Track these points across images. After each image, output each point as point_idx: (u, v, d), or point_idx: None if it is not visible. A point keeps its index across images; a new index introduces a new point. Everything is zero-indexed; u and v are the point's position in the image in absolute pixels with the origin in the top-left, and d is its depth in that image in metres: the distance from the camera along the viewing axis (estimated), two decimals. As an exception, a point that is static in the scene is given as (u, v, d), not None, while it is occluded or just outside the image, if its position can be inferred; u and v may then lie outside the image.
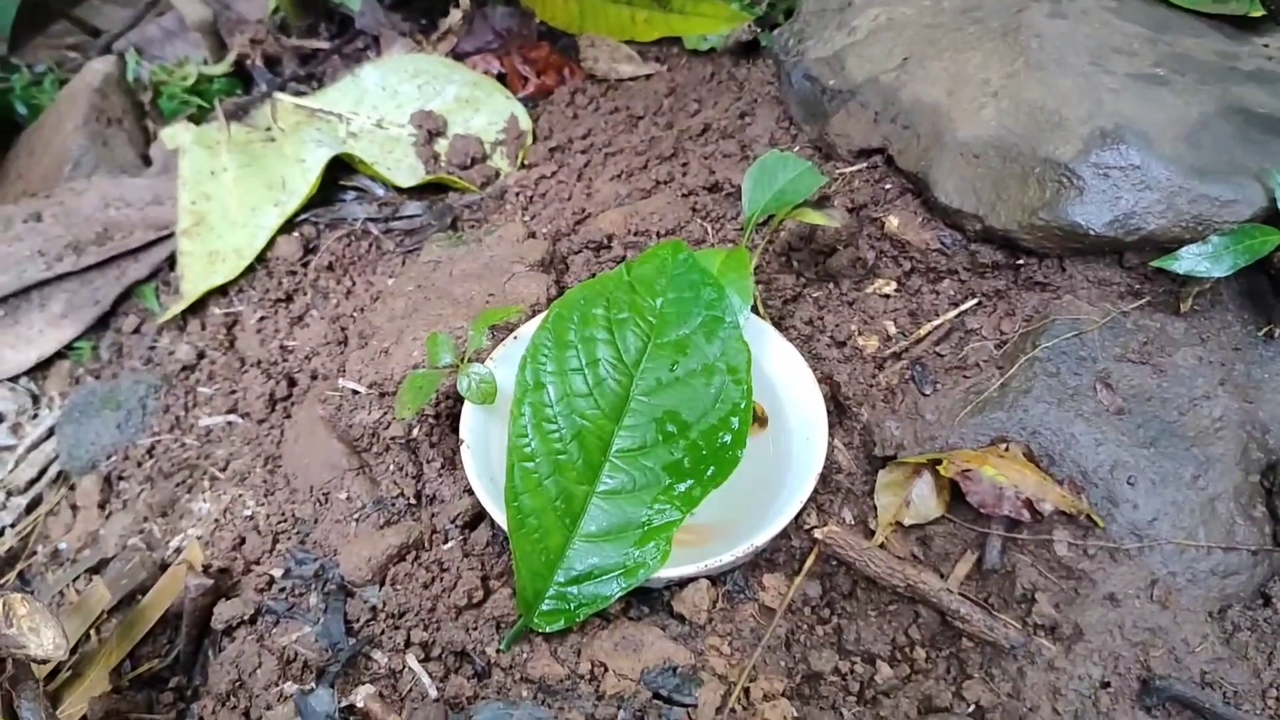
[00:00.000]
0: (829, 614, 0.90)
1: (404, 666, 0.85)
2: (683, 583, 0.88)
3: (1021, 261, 1.00)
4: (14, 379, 1.38)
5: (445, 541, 0.93)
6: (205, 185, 1.42)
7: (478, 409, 0.95)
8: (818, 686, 0.85)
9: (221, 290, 1.34)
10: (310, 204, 1.38)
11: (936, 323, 1.02)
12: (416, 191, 1.40)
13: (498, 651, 0.86)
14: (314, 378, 1.17)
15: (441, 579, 0.90)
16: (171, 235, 1.40)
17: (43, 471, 1.29)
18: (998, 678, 0.86)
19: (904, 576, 0.88)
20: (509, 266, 1.09)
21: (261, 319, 1.30)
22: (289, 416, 1.14)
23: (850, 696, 0.85)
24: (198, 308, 1.34)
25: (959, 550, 0.92)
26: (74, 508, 1.20)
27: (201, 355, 1.28)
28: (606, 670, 0.84)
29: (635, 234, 1.16)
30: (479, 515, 0.95)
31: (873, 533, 0.92)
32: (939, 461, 0.91)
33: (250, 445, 1.14)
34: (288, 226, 1.37)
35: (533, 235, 1.17)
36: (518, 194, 1.33)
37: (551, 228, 1.22)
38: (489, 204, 1.35)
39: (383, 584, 0.91)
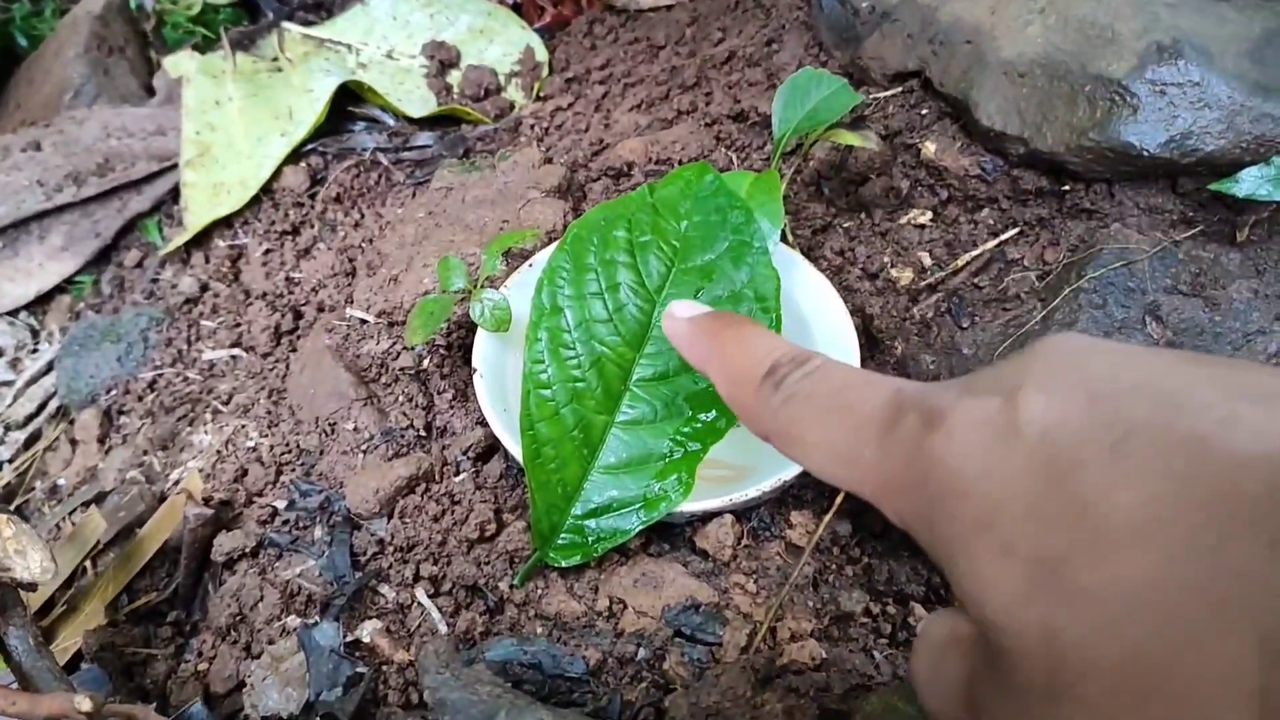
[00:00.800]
0: (859, 553, 0.85)
1: (413, 601, 0.81)
2: (706, 518, 0.84)
3: (1067, 188, 0.95)
4: (13, 313, 1.34)
5: (456, 474, 0.89)
6: (210, 115, 1.37)
7: (491, 337, 0.91)
8: (847, 628, 0.81)
9: (226, 222, 1.29)
10: (318, 134, 1.33)
11: (975, 253, 0.97)
12: (428, 123, 1.35)
13: (511, 587, 0.81)
14: (321, 310, 1.13)
15: (452, 512, 0.86)
16: (175, 166, 1.36)
17: (41, 406, 1.25)
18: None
19: (939, 515, 0.84)
20: (524, 193, 1.04)
21: (267, 251, 1.25)
22: (294, 350, 1.10)
23: (882, 639, 0.80)
24: (201, 240, 1.29)
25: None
26: (73, 442, 1.16)
27: (205, 288, 1.24)
28: (625, 607, 0.80)
29: (656, 162, 1.11)
30: (492, 447, 0.90)
31: (906, 470, 0.87)
32: (978, 395, 0.86)
33: (254, 379, 1.10)
34: (294, 157, 1.32)
35: (549, 161, 1.12)
36: (533, 126, 1.28)
37: (569, 158, 1.17)
38: (503, 136, 1.30)
39: (391, 516, 0.87)
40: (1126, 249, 0.90)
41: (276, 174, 1.30)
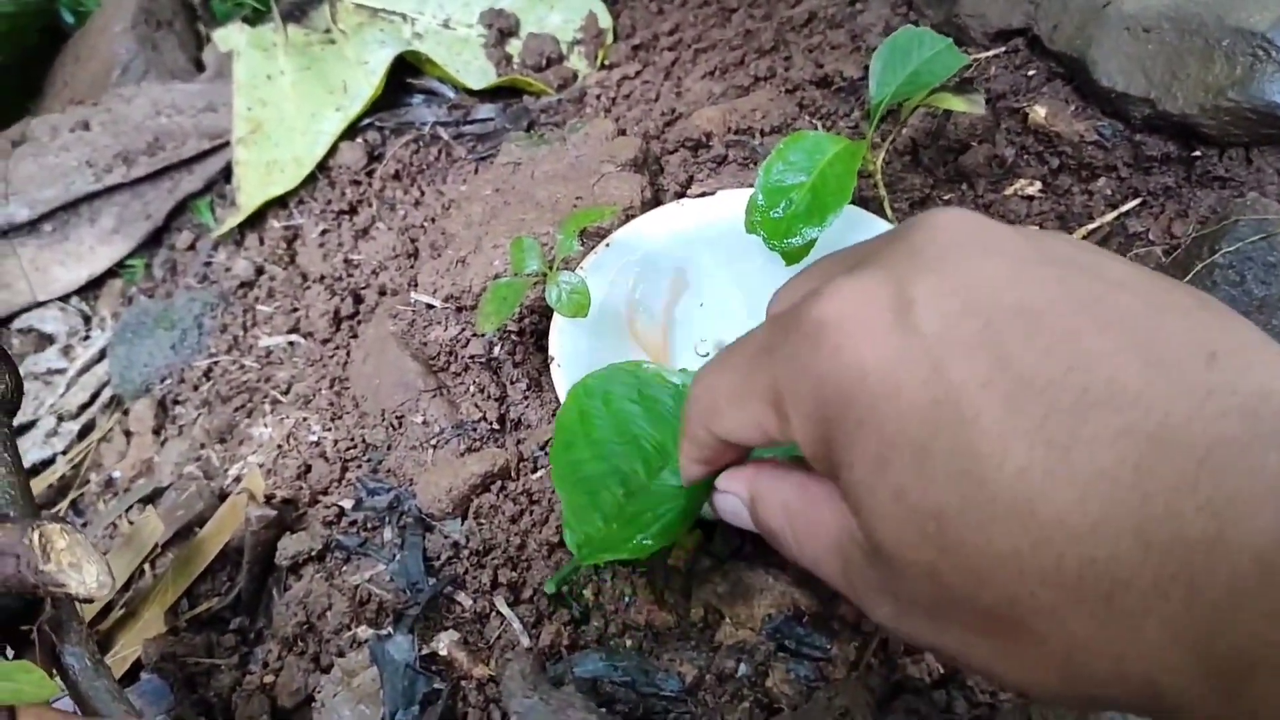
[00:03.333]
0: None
1: (492, 609, 0.75)
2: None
3: (1198, 153, 0.86)
4: (64, 298, 1.30)
5: (534, 470, 0.83)
6: (261, 90, 1.31)
7: (568, 323, 0.84)
8: (964, 640, 0.74)
9: (280, 202, 1.24)
10: (374, 108, 1.27)
11: (1091, 226, 0.89)
12: (489, 95, 1.28)
13: (596, 595, 0.75)
14: (382, 293, 1.07)
15: (531, 512, 0.79)
16: (226, 144, 1.31)
17: (95, 395, 1.20)
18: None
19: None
20: (597, 166, 0.97)
21: (324, 232, 1.19)
22: (355, 335, 1.04)
23: (1001, 652, 0.73)
24: (255, 221, 1.24)
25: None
26: (127, 434, 1.11)
27: (260, 271, 1.18)
28: (722, 618, 0.74)
29: (737, 132, 1.04)
30: (572, 441, 0.84)
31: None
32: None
33: (314, 366, 1.04)
34: (350, 132, 1.26)
35: (623, 133, 1.05)
36: (599, 96, 1.21)
37: (640, 129, 1.10)
38: (567, 107, 1.23)
39: (465, 517, 0.81)
40: (1266, 219, 0.82)
41: (332, 151, 1.24)
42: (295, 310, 1.12)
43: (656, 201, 0.96)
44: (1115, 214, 0.89)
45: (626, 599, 0.75)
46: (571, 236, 0.84)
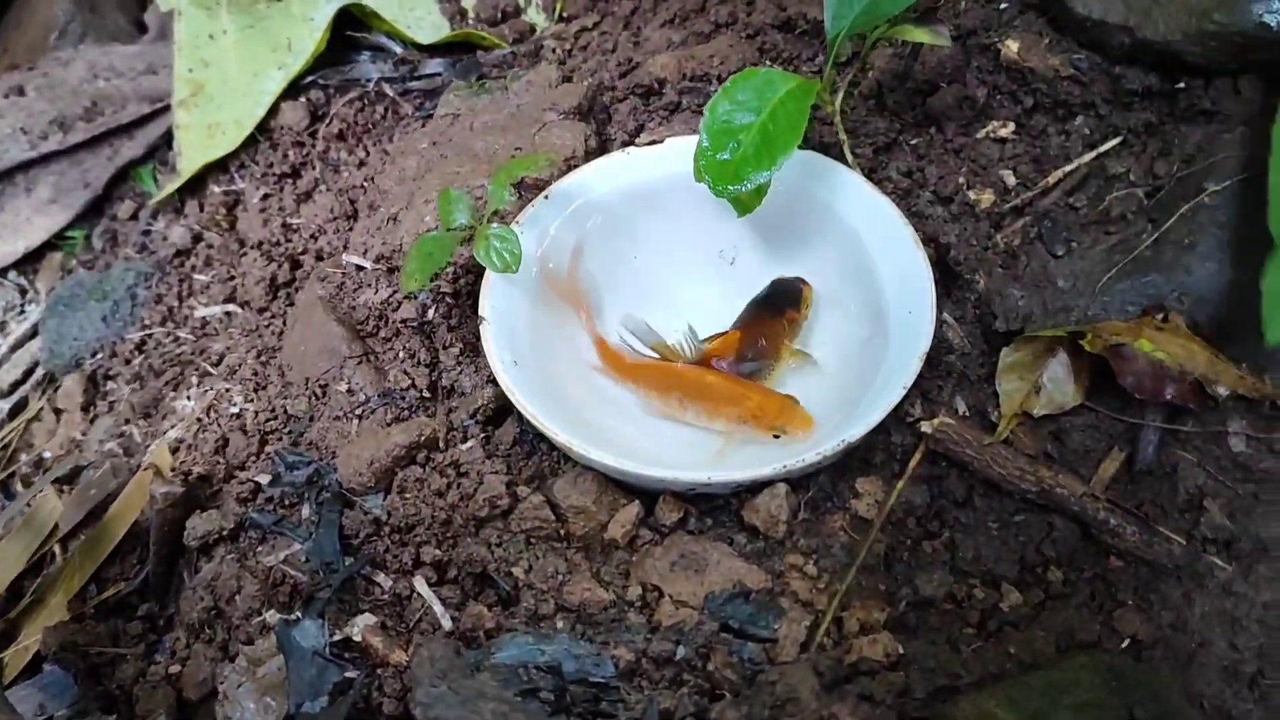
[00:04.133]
0: (939, 527, 0.72)
1: (412, 591, 0.69)
2: (756, 487, 0.71)
3: (1181, 85, 0.79)
4: (1, 272, 1.24)
5: (464, 440, 0.77)
6: (204, 50, 1.24)
7: (501, 280, 0.78)
8: (927, 615, 0.68)
9: (222, 166, 1.17)
10: (319, 65, 1.20)
11: (1068, 168, 0.82)
12: (440, 50, 1.21)
13: (526, 571, 0.69)
14: (319, 258, 1.01)
15: (459, 485, 0.73)
16: (168, 108, 1.24)
17: (28, 373, 1.14)
18: (1157, 605, 0.68)
19: (1035, 479, 0.70)
20: (540, 115, 0.91)
21: (265, 196, 1.13)
22: (292, 304, 0.98)
23: (968, 628, 0.67)
24: (196, 187, 1.18)
25: (1103, 447, 0.73)
26: (57, 411, 1.05)
27: (198, 238, 1.12)
28: (661, 596, 0.68)
29: (692, 79, 0.97)
30: (505, 408, 0.78)
31: (994, 426, 0.73)
32: (1080, 335, 0.72)
33: (250, 337, 0.98)
34: (293, 92, 1.19)
35: (568, 80, 0.98)
36: (555, 49, 1.14)
37: (594, 80, 1.03)
38: (522, 61, 1.16)
39: (388, 491, 0.75)
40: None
41: (274, 111, 1.18)
42: (232, 279, 1.06)
43: (602, 151, 0.89)
44: (1093, 154, 0.82)
45: (560, 576, 0.69)
46: (503, 187, 0.77)
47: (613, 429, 0.77)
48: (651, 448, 0.76)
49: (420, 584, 0.68)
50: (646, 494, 0.72)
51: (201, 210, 1.15)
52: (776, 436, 0.73)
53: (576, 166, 0.85)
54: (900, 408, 0.72)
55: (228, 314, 1.03)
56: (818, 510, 0.71)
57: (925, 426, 0.72)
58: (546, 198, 0.83)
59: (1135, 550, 0.68)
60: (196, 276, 1.08)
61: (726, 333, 0.81)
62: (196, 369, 0.97)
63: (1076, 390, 0.74)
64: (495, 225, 0.76)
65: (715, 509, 0.72)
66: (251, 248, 1.07)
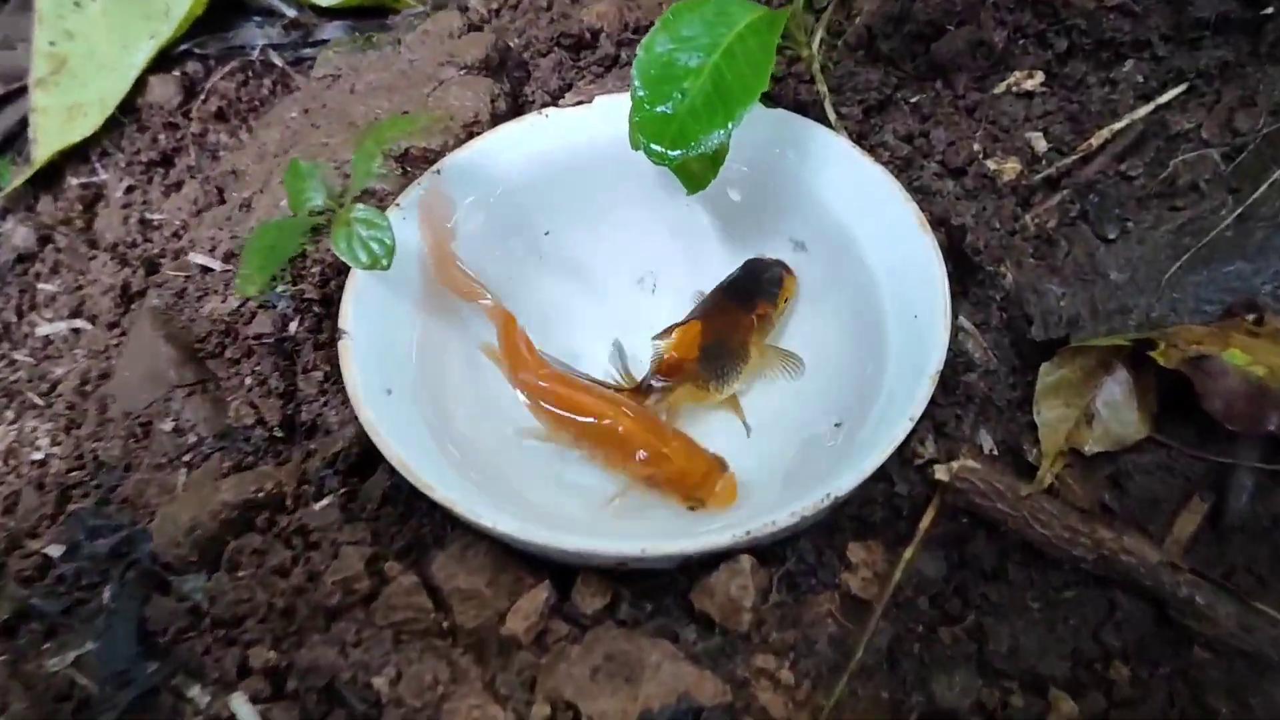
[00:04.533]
0: (962, 608, 0.52)
1: (229, 715, 0.49)
2: (709, 560, 0.51)
3: (1268, 10, 0.61)
4: None
5: (318, 497, 0.57)
6: (68, 20, 1.05)
7: (372, 281, 0.59)
8: (949, 738, 0.48)
9: (82, 155, 0.97)
10: (196, 32, 1.01)
11: (1117, 126, 0.64)
12: (342, 14, 1.02)
13: (393, 682, 0.50)
14: (179, 259, 0.81)
15: (307, 560, 0.54)
16: (26, 89, 1.04)
17: None
18: (1259, 711, 0.49)
19: (1092, 542, 0.51)
20: (435, 71, 0.72)
21: (129, 189, 0.93)
22: (145, 317, 0.79)
23: (1006, 755, 0.48)
24: (53, 178, 0.98)
25: (1178, 494, 0.54)
26: None
27: (46, 240, 0.93)
28: (578, 717, 0.48)
29: (634, 30, 0.78)
30: (374, 455, 0.58)
31: (1032, 468, 0.54)
32: (1148, 345, 0.53)
33: (97, 359, 0.78)
34: (166, 63, 1.00)
35: (475, 28, 0.79)
36: (478, 8, 0.94)
37: (525, 38, 0.84)
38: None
39: (215, 568, 0.55)
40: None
41: (143, 87, 0.98)
42: (80, 288, 0.86)
43: (516, 114, 0.70)
44: (1150, 107, 0.63)
45: (439, 688, 0.50)
46: (370, 158, 0.58)
47: (519, 480, 0.58)
48: (569, 506, 0.57)
49: (240, 704, 0.49)
50: (562, 570, 0.53)
51: (56, 206, 0.95)
52: (692, 508, 0.54)
53: (479, 132, 0.66)
54: (906, 446, 0.53)
55: (75, 331, 0.84)
56: (796, 590, 0.52)
57: (941, 472, 0.52)
58: (439, 173, 0.64)
59: (1228, 637, 0.49)
60: (41, 286, 0.89)
61: (686, 323, 0.62)
62: (23, 402, 0.77)
63: (1142, 419, 0.54)
64: (361, 207, 0.57)
65: (655, 590, 0.52)
66: (104, 250, 0.87)
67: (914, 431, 0.52)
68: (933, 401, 0.52)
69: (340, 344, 0.56)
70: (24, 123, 1.05)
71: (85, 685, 0.53)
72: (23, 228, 0.94)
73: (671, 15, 0.58)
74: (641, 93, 0.57)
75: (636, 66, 0.57)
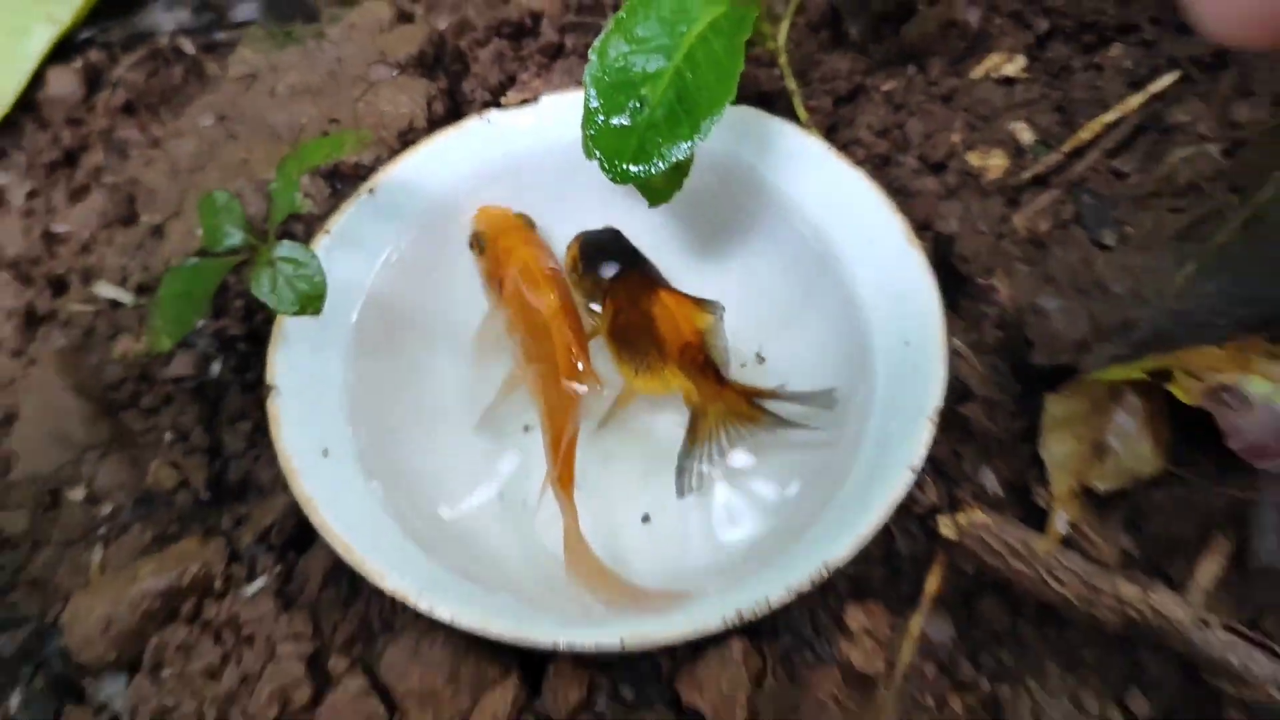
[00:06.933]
0: (975, 674, 0.48)
1: None
2: (696, 646, 0.46)
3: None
4: None
5: (251, 577, 0.51)
6: (-50, 4, 0.96)
7: (302, 327, 0.53)
8: (966, 822, 0.44)
9: (-24, 158, 0.89)
10: (97, 16, 0.92)
11: (1108, 118, 0.59)
12: (258, -11, 0.94)
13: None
14: (88, 280, 0.74)
15: (239, 659, 0.48)
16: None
17: None
18: (1293, 772, 0.46)
19: (1116, 600, 0.46)
20: (365, 70, 0.65)
21: (30, 194, 0.85)
22: (52, 346, 0.71)
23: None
24: (-57, 187, 0.89)
25: (1197, 533, 0.50)
26: None
27: (-63, 257, 0.84)
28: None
29: (579, 10, 0.71)
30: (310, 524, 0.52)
31: (1038, 509, 0.50)
32: (1164, 375, 0.48)
33: (2, 392, 0.71)
34: (65, 52, 0.91)
35: (407, 19, 0.72)
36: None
37: (455, 18, 0.76)
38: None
39: (136, 668, 0.49)
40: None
41: (41, 80, 0.89)
42: (-22, 312, 0.78)
43: (456, 117, 0.63)
44: (1143, 97, 0.58)
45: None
46: (293, 185, 0.51)
47: (485, 545, 0.53)
48: (543, 575, 0.51)
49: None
50: (530, 658, 0.48)
51: (-51, 216, 0.87)
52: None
53: (415, 140, 0.59)
54: (909, 499, 0.48)
55: (-30, 363, 0.76)
56: (792, 668, 0.47)
57: (947, 528, 0.48)
58: (372, 192, 0.57)
59: (1268, 699, 0.45)
60: (-69, 311, 0.81)
61: None
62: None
63: (1156, 451, 0.50)
64: (285, 244, 0.50)
65: (637, 679, 0.47)
66: (4, 267, 0.80)
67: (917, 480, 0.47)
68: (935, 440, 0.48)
69: (269, 403, 0.50)
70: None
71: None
72: (-88, 244, 0.86)
73: (625, 14, 0.52)
74: (595, 103, 0.51)
75: (589, 73, 0.51)
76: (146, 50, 0.89)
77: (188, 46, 0.89)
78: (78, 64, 0.90)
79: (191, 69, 0.88)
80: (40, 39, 0.91)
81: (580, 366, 0.52)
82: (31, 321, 0.74)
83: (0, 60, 0.91)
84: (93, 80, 0.90)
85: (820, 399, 0.52)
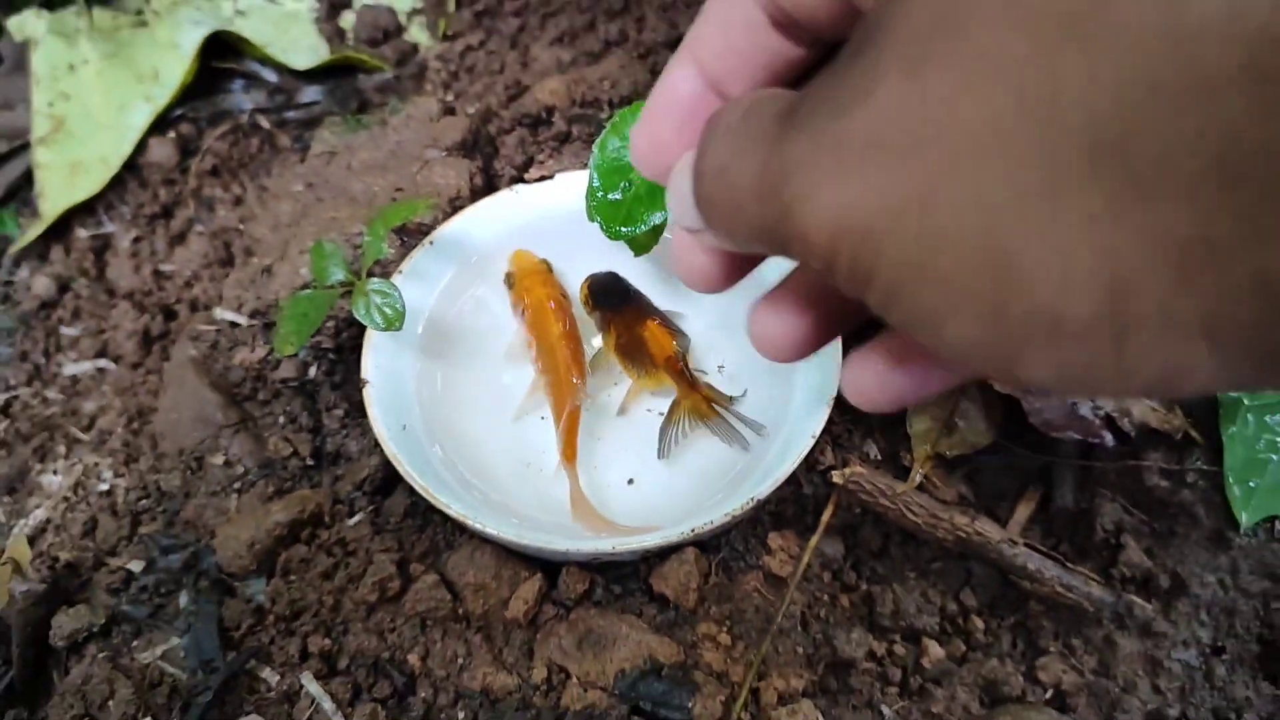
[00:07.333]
0: (856, 579, 0.69)
1: (300, 687, 0.64)
2: (663, 553, 0.67)
3: None
4: None
5: (350, 514, 0.72)
6: (63, 83, 1.17)
7: (385, 338, 0.73)
8: (848, 678, 0.65)
9: (88, 208, 1.10)
10: (188, 96, 1.13)
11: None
12: (317, 76, 1.15)
13: (423, 659, 0.65)
14: (194, 308, 0.94)
15: (346, 565, 0.68)
16: (27, 145, 1.16)
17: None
18: (1080, 650, 0.66)
19: (951, 526, 0.67)
20: (420, 152, 0.86)
21: (136, 240, 1.06)
22: (168, 358, 0.92)
23: (890, 687, 0.65)
24: (61, 230, 1.10)
25: (1017, 487, 0.71)
26: (-83, 487, 0.97)
27: (65, 288, 1.05)
28: (568, 677, 0.63)
29: (582, 104, 0.93)
30: (393, 476, 0.73)
31: (906, 470, 0.71)
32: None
33: (124, 395, 0.91)
34: (161, 126, 1.12)
35: (450, 112, 0.93)
36: (439, 70, 1.08)
37: (481, 105, 0.98)
38: (405, 84, 1.10)
39: (271, 575, 0.69)
40: None
41: (142, 148, 1.10)
42: (102, 331, 0.98)
43: (490, 189, 0.85)
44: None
45: (459, 660, 0.65)
46: (380, 238, 0.72)
47: (514, 494, 0.73)
48: (554, 513, 0.71)
49: (309, 680, 0.63)
50: (550, 565, 0.68)
51: (68, 256, 1.07)
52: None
53: (462, 207, 0.80)
54: (810, 456, 0.68)
55: (100, 370, 0.96)
56: (731, 572, 0.68)
57: (837, 477, 0.69)
58: (431, 244, 0.78)
59: (1056, 594, 0.66)
60: (64, 330, 1.01)
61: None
62: (65, 435, 0.90)
63: (989, 428, 0.71)
64: (375, 280, 0.71)
65: (623, 577, 0.68)
66: (122, 297, 1.00)
67: (816, 444, 0.67)
68: (830, 420, 0.68)
69: (364, 391, 0.70)
70: (27, 177, 1.17)
71: (173, 674, 0.67)
72: (42, 277, 1.06)
73: (619, 120, 0.73)
74: (596, 183, 0.72)
75: (593, 163, 0.72)
76: (229, 125, 1.10)
77: (263, 123, 1.10)
78: (172, 135, 1.11)
79: (266, 140, 1.09)
80: (141, 114, 1.12)
81: (575, 380, 0.73)
82: (147, 340, 0.95)
83: (110, 131, 1.12)
84: (184, 149, 1.11)
85: (754, 426, 0.72)
